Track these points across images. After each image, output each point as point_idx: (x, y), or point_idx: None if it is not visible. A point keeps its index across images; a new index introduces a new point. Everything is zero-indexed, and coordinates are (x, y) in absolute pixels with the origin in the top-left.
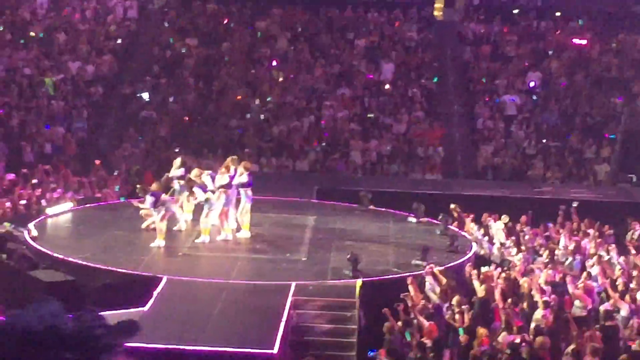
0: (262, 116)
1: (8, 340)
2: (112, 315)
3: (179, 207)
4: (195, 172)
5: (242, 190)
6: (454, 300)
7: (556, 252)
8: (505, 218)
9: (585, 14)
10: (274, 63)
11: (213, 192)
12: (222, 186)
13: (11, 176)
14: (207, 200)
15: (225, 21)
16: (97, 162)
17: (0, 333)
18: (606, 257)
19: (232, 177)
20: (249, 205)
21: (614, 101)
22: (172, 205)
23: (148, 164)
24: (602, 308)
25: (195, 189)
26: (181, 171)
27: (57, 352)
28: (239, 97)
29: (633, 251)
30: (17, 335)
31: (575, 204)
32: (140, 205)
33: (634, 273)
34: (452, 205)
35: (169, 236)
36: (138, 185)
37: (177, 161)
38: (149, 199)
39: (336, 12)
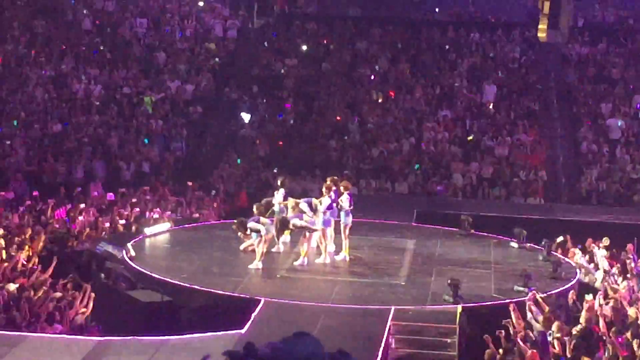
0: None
1: None
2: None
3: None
4: (291, 202)
5: (342, 213)
6: (554, 327)
7: None
8: (606, 240)
9: None
10: (374, 83)
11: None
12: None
13: (111, 196)
14: (304, 226)
15: (325, 41)
16: (190, 183)
17: None
18: None
19: (333, 199)
20: (348, 227)
21: None
22: (272, 227)
23: (246, 184)
24: None
25: (294, 221)
26: (282, 194)
27: None
28: (338, 118)
29: None
30: None
31: None
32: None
33: None
34: (561, 238)
35: (267, 258)
36: (234, 224)
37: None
38: (255, 227)
39: (438, 33)
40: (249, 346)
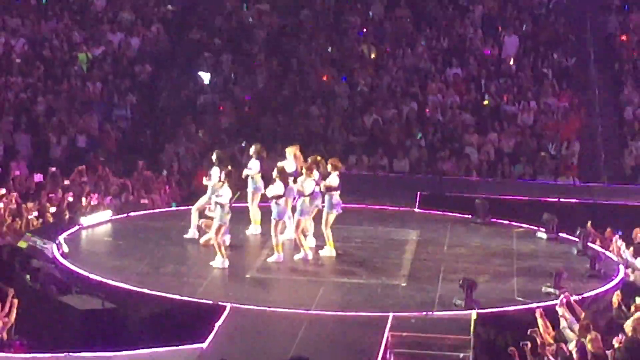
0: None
1: None
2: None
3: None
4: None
5: (327, 197)
6: (588, 338)
7: None
8: None
9: None
10: (365, 35)
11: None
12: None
13: (38, 177)
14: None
15: None
16: (140, 162)
17: None
18: None
19: (317, 182)
20: (334, 215)
21: None
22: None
23: (206, 162)
24: None
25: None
26: (257, 165)
27: None
28: (325, 77)
29: None
30: None
31: None
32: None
33: None
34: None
35: (234, 254)
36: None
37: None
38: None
39: None
40: None
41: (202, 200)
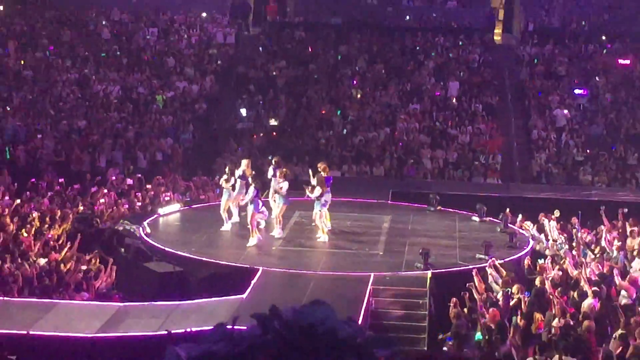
0: (344, 130)
1: (292, 336)
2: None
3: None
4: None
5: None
6: (514, 289)
7: (604, 246)
8: (556, 212)
9: (628, 36)
10: (354, 82)
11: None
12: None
13: (129, 181)
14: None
15: (310, 48)
16: (199, 171)
17: (287, 328)
18: None
19: (328, 180)
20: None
21: None
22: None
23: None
24: None
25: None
26: (272, 169)
27: (335, 356)
28: (324, 111)
29: None
30: (302, 333)
31: (625, 209)
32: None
33: None
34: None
35: (263, 235)
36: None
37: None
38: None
39: (408, 38)
40: (274, 309)
41: (224, 201)
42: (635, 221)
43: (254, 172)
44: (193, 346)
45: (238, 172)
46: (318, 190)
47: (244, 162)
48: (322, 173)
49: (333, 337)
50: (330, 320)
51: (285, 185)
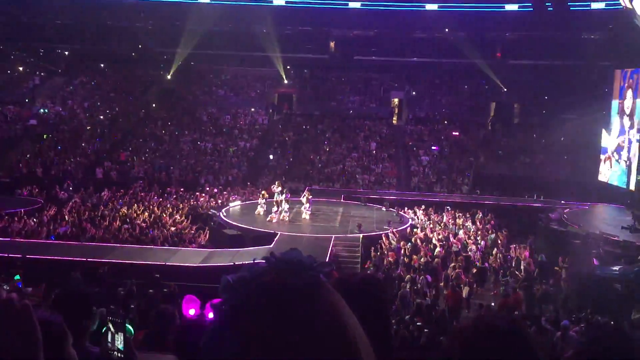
0: (320, 165)
1: (278, 265)
2: (258, 250)
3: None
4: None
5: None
6: (402, 243)
7: (445, 222)
8: (422, 206)
9: (458, 120)
10: (325, 142)
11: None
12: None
13: (215, 190)
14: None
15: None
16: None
17: (277, 261)
18: (467, 225)
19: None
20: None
21: None
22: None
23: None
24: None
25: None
26: (278, 186)
27: (299, 273)
28: (312, 157)
29: (478, 224)
30: (284, 262)
31: (449, 207)
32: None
33: (478, 232)
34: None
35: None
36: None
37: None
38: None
39: (350, 120)
40: (271, 253)
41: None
42: (457, 212)
43: (280, 188)
44: (235, 274)
45: (274, 187)
46: (305, 198)
47: (277, 182)
48: (306, 192)
49: (300, 264)
50: (299, 256)
51: (284, 196)
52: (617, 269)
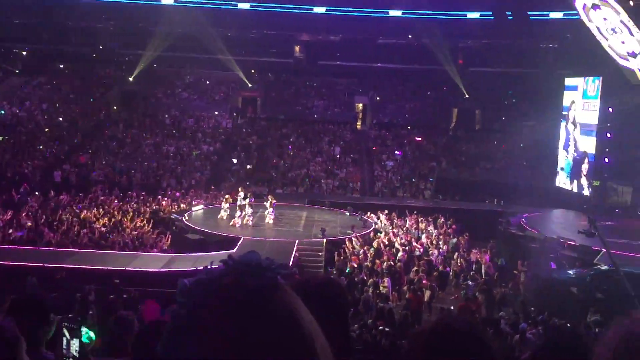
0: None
1: (237, 267)
2: (219, 255)
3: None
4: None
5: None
6: (366, 248)
7: (407, 227)
8: (385, 210)
9: (422, 126)
10: (290, 147)
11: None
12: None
13: (178, 194)
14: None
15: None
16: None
17: (235, 264)
18: (430, 230)
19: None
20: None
21: None
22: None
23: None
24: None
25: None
26: (243, 192)
27: (257, 275)
28: (274, 161)
29: (440, 229)
30: (242, 264)
31: (415, 211)
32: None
33: (440, 237)
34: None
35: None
36: (227, 196)
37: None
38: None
39: (318, 126)
40: (229, 255)
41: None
42: (420, 217)
43: (243, 194)
44: (192, 277)
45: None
46: (269, 202)
47: (240, 188)
48: (270, 197)
49: (258, 266)
50: (257, 258)
51: (248, 200)
52: (574, 272)
